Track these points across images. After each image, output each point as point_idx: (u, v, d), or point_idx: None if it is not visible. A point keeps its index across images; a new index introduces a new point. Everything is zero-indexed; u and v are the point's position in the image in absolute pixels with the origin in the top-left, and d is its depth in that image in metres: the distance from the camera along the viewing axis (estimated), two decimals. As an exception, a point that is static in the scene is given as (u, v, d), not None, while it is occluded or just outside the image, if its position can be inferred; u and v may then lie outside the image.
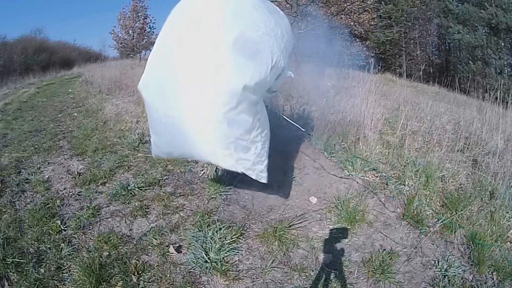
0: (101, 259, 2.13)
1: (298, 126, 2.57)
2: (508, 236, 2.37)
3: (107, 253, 2.20)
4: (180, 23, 1.97)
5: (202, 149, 1.87)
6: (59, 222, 2.52)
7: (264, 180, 2.04)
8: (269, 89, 2.17)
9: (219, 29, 1.83)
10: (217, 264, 2.07)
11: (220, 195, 2.82)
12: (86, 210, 2.70)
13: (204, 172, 3.20)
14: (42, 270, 2.06)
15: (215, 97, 1.76)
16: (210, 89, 1.76)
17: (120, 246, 2.29)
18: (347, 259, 2.21)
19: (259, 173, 2.00)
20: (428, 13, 19.31)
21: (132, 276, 2.01)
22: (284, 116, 2.59)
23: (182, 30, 1.92)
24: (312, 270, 2.11)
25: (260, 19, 1.99)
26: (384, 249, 2.29)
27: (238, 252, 2.22)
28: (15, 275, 2.02)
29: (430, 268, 2.15)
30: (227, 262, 2.12)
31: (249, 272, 2.08)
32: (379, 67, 4.66)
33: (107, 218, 2.62)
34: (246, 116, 1.85)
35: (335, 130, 3.78)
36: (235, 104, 1.75)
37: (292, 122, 2.60)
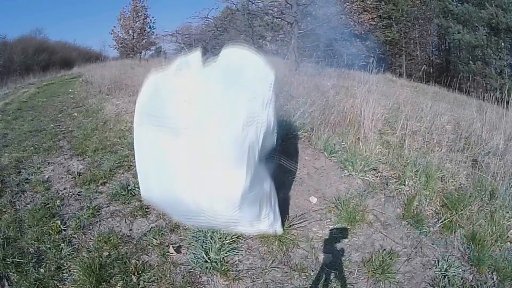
0: (101, 259, 2.12)
1: (289, 165, 2.63)
2: (508, 236, 2.38)
3: (107, 253, 2.20)
4: (155, 121, 1.82)
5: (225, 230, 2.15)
6: (59, 222, 2.52)
7: (279, 231, 2.23)
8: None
9: (198, 134, 1.72)
10: (217, 264, 2.07)
11: (220, 195, 2.82)
12: (86, 210, 2.69)
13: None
14: (42, 270, 2.06)
15: (218, 204, 1.79)
16: (210, 198, 1.78)
17: (120, 246, 2.29)
18: (347, 259, 2.21)
19: (275, 230, 2.19)
20: (428, 13, 19.32)
21: (132, 276, 2.01)
22: (282, 159, 2.60)
23: (160, 131, 1.79)
24: (312, 270, 2.11)
25: (237, 104, 1.77)
26: (384, 249, 2.29)
27: (238, 252, 2.22)
28: (15, 275, 2.02)
29: (430, 268, 2.15)
30: (227, 262, 2.12)
31: (249, 272, 2.08)
32: (379, 67, 4.66)
33: (107, 218, 2.62)
34: (252, 207, 1.92)
35: (335, 130, 3.78)
36: (239, 205, 1.78)
37: (286, 163, 2.65)
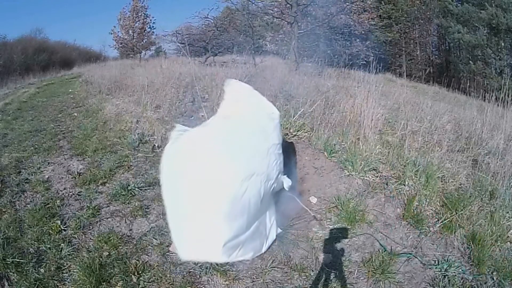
0: (101, 259, 2.13)
1: (308, 209, 2.68)
2: (508, 236, 2.37)
3: (107, 253, 2.20)
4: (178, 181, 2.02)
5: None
6: (59, 222, 2.52)
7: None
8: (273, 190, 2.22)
9: (202, 190, 1.89)
10: (217, 264, 2.07)
11: (220, 195, 2.81)
12: (86, 210, 2.70)
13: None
14: (42, 270, 2.06)
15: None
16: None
17: (120, 246, 2.29)
18: (347, 259, 2.21)
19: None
20: (428, 13, 19.33)
21: (132, 276, 2.01)
22: (295, 197, 2.68)
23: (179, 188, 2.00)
24: (312, 270, 2.11)
25: (237, 164, 1.95)
26: (385, 249, 2.29)
27: (238, 252, 2.22)
28: (15, 275, 2.02)
29: (430, 268, 2.15)
30: (227, 262, 2.12)
31: (249, 272, 2.08)
32: (379, 67, 4.66)
33: (107, 218, 2.62)
34: (252, 242, 2.08)
35: (335, 130, 3.78)
36: (234, 250, 1.98)
37: (302, 205, 2.69)
